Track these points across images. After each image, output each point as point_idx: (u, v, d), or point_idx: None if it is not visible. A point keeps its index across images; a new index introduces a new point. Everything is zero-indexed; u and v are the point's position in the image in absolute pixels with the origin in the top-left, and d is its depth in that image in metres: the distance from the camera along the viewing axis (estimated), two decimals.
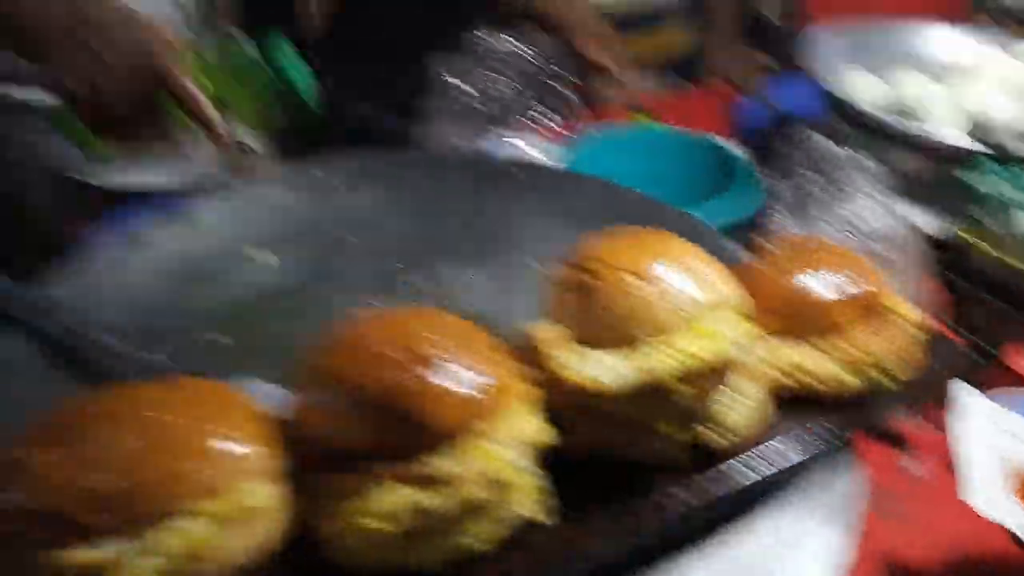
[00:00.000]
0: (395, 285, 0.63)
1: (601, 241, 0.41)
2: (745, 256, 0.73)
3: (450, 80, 1.05)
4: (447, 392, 0.32)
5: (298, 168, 0.72)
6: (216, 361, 0.55)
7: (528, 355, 0.39)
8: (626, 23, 1.32)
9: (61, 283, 0.58)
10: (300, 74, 0.69)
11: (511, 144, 0.96)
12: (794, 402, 0.48)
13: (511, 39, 1.07)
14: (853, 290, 0.47)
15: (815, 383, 0.46)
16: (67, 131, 0.70)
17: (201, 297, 0.60)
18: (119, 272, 0.60)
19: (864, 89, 0.93)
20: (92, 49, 0.65)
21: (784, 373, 0.46)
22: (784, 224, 0.89)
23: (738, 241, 0.87)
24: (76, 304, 0.56)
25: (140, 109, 0.67)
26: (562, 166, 0.74)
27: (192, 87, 0.67)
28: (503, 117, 1.06)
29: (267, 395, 0.49)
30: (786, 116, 1.12)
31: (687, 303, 0.39)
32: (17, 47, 0.66)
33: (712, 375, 0.40)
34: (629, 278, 0.39)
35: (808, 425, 0.47)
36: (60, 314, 0.53)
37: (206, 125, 0.69)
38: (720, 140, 1.00)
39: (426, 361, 0.32)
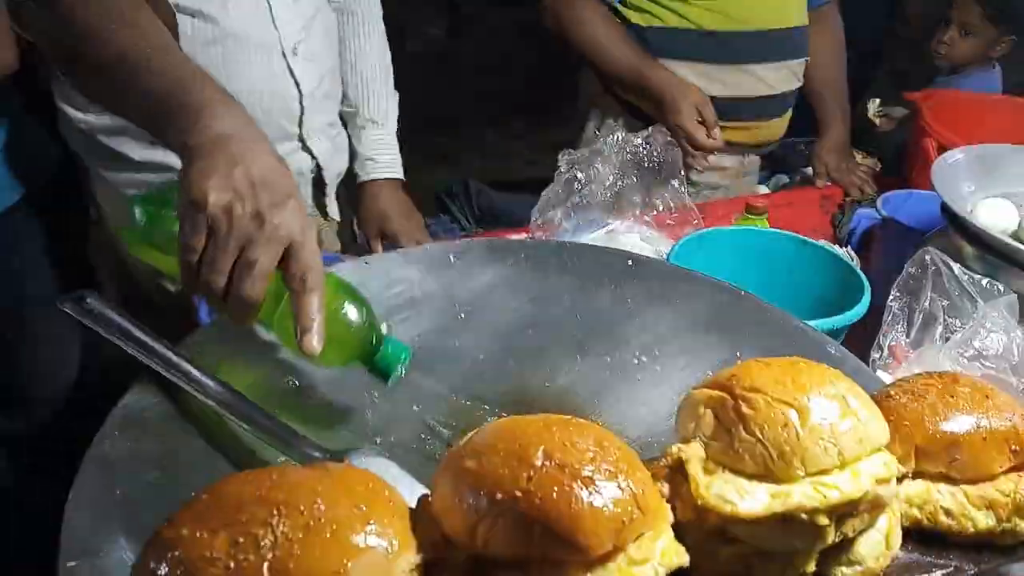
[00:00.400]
0: (506, 366, 0.64)
1: (754, 366, 0.41)
2: (877, 375, 0.72)
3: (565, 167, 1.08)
4: (600, 512, 0.32)
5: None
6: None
7: (668, 472, 0.39)
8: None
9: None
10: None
11: (623, 234, 0.97)
12: (926, 537, 0.46)
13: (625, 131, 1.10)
14: (998, 428, 0.45)
15: (951, 521, 0.45)
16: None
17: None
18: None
19: (989, 211, 0.91)
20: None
21: (920, 509, 0.45)
22: (898, 340, 0.86)
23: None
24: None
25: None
26: (673, 264, 0.74)
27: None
28: (616, 206, 1.07)
29: (383, 469, 0.50)
30: (899, 226, 1.10)
31: (835, 439, 0.38)
32: None
33: (851, 511, 0.39)
34: (783, 410, 0.38)
35: (939, 562, 0.45)
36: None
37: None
38: (830, 247, 0.99)
39: (580, 478, 0.32)
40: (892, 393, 0.48)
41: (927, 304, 0.88)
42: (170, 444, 0.53)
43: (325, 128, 1.11)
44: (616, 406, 0.60)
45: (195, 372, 0.55)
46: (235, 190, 0.51)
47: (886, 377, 0.80)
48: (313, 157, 1.10)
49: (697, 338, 0.66)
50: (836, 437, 0.38)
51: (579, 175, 1.01)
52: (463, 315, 0.68)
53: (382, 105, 1.20)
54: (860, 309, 0.85)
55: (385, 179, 1.20)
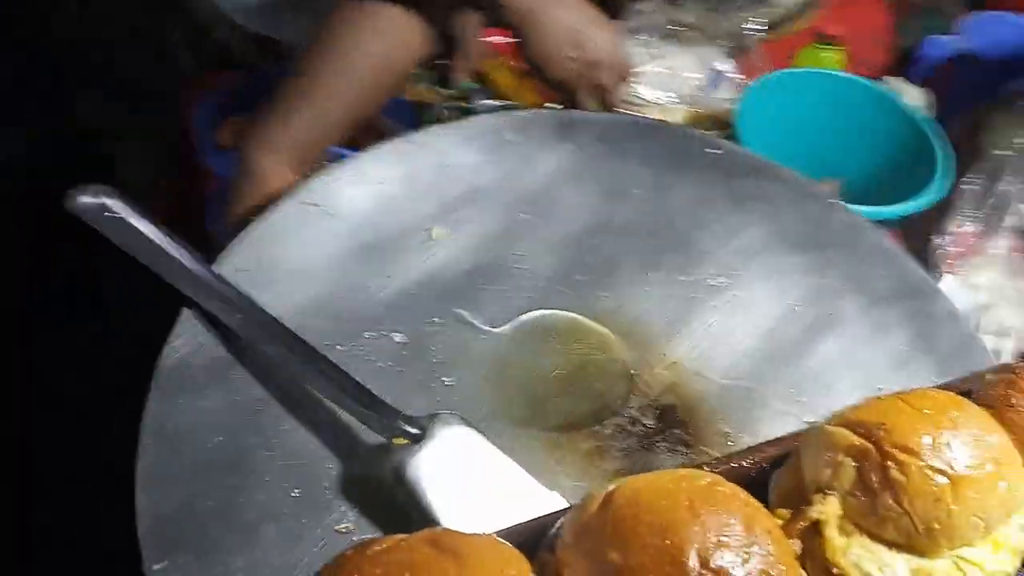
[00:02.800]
0: (573, 284, 0.59)
1: (905, 414, 0.37)
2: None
3: None
4: None
5: (476, 121, 0.64)
6: (390, 366, 0.53)
7: (801, 530, 0.36)
8: None
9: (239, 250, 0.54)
10: None
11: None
12: None
13: None
14: None
15: None
16: None
17: (378, 281, 0.56)
18: (300, 243, 0.56)
19: None
20: None
21: None
22: (966, 225, 0.82)
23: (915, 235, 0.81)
24: (255, 279, 0.53)
25: None
26: (759, 155, 0.66)
27: None
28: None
29: (467, 440, 0.47)
30: (983, 63, 0.99)
31: (984, 511, 0.36)
32: None
33: None
34: (937, 481, 0.35)
35: None
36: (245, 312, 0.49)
37: None
38: (910, 105, 0.89)
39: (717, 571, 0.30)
40: (1015, 401, 0.44)
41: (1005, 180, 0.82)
42: (231, 397, 0.49)
43: None
44: (692, 339, 0.57)
45: (253, 305, 0.49)
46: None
47: (949, 280, 0.77)
48: None
49: (781, 258, 0.61)
50: (986, 510, 0.36)
51: None
52: (527, 214, 0.61)
53: None
54: (937, 192, 0.79)
55: None
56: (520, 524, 0.38)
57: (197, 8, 1.03)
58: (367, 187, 0.60)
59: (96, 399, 1.06)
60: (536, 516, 0.38)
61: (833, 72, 0.89)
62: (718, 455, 0.50)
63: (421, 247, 0.58)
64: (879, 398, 0.38)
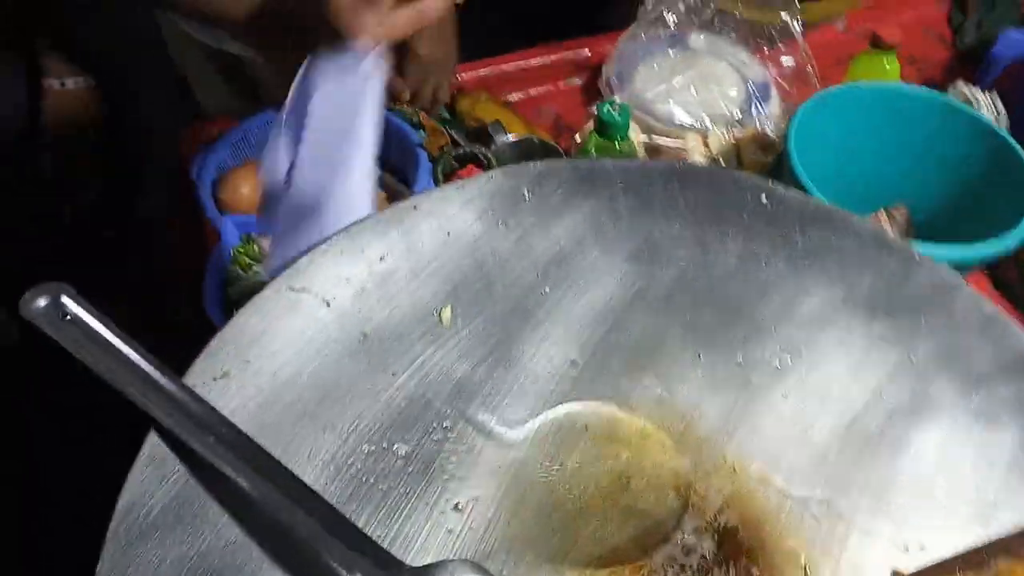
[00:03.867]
0: (608, 372, 0.49)
1: None
2: None
3: None
4: None
5: (484, 179, 0.55)
6: (391, 487, 0.44)
7: None
8: None
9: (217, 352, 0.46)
10: None
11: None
12: None
13: None
14: None
15: None
16: None
17: (379, 379, 0.48)
18: (287, 339, 0.47)
19: None
20: None
21: None
22: None
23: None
24: (231, 387, 0.45)
25: None
26: (819, 200, 0.56)
27: None
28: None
29: None
30: None
31: None
32: None
33: None
34: None
35: None
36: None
37: None
38: (984, 118, 0.78)
39: None
40: None
41: None
42: (199, 542, 0.40)
43: None
44: (755, 437, 0.47)
45: (224, 424, 0.41)
46: None
47: None
48: None
49: (856, 327, 0.51)
50: None
51: None
52: (547, 287, 0.52)
53: None
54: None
55: None
56: None
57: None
58: (363, 266, 0.51)
59: None
60: None
61: (895, 85, 0.78)
62: None
63: (427, 336, 0.50)
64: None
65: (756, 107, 0.94)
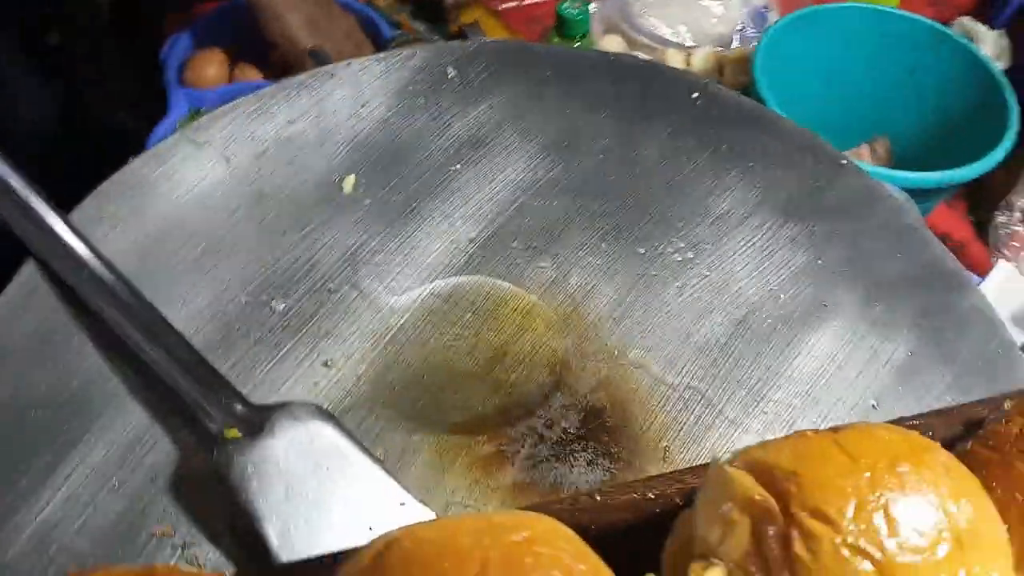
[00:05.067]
0: (502, 251, 0.48)
1: (826, 463, 0.25)
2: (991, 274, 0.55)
3: None
4: None
5: (413, 51, 0.54)
6: (263, 339, 0.44)
7: None
8: None
9: (110, 192, 0.46)
10: None
11: None
12: None
13: None
14: None
15: None
16: None
17: (268, 239, 0.47)
18: (183, 189, 0.47)
19: None
20: None
21: None
22: None
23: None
24: (119, 229, 0.45)
25: None
26: (753, 101, 0.53)
27: None
28: None
29: (321, 437, 0.39)
30: None
31: None
32: None
33: None
34: (856, 564, 0.24)
35: None
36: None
37: None
38: (980, 52, 0.74)
39: None
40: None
41: None
42: (57, 370, 0.41)
43: None
44: (641, 325, 0.46)
45: (98, 259, 0.41)
46: None
47: (1005, 269, 0.63)
48: None
49: (768, 230, 0.49)
50: None
51: None
52: (457, 165, 0.51)
53: None
54: (999, 153, 0.65)
55: None
56: (304, 561, 0.29)
57: None
58: (270, 126, 0.51)
59: None
60: (323, 555, 0.29)
61: (884, 8, 0.74)
62: (652, 474, 0.40)
63: (325, 202, 0.49)
64: (806, 434, 0.27)
65: (752, 28, 0.90)
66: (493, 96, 0.53)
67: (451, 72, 0.54)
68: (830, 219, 0.49)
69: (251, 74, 0.84)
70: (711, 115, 0.53)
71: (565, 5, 0.68)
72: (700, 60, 0.85)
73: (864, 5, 0.74)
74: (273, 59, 0.86)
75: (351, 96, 0.52)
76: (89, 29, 1.10)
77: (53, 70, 1.17)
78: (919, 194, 0.65)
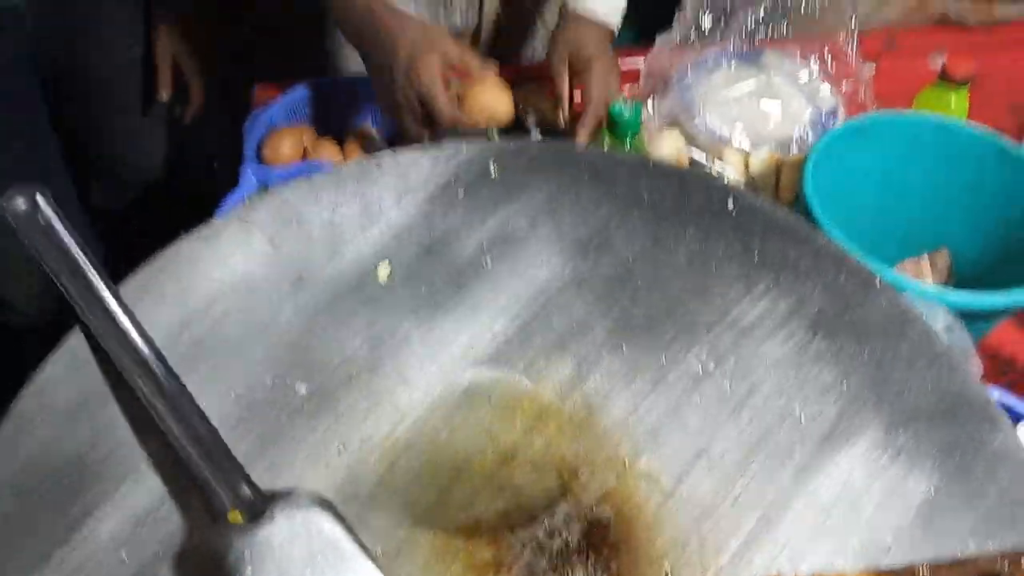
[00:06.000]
0: (525, 347, 0.49)
1: None
2: None
3: None
4: None
5: (458, 147, 0.56)
6: (284, 421, 0.46)
7: None
8: None
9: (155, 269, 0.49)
10: None
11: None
12: None
13: None
14: None
15: None
16: None
17: (301, 321, 0.49)
18: (227, 268, 0.50)
19: None
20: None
21: None
22: None
23: None
24: (160, 304, 0.48)
25: None
26: (789, 214, 0.53)
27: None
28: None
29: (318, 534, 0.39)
30: None
31: None
32: None
33: None
34: None
35: None
36: None
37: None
38: None
39: None
40: None
41: None
42: (86, 436, 0.43)
43: None
44: (656, 436, 0.45)
45: (135, 330, 0.44)
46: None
47: None
48: None
49: (793, 343, 0.48)
50: None
51: None
52: (488, 257, 0.53)
53: None
54: None
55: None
56: None
57: None
58: (316, 210, 0.53)
59: None
60: None
61: (949, 121, 0.72)
62: None
63: (359, 288, 0.51)
64: None
65: (813, 133, 0.90)
66: (529, 193, 0.55)
67: (492, 169, 0.56)
68: (859, 339, 0.47)
69: (328, 151, 0.88)
70: (745, 224, 0.52)
71: (617, 105, 0.70)
72: (758, 162, 0.85)
73: (926, 116, 0.73)
74: (349, 140, 0.91)
75: (396, 186, 0.55)
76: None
77: (166, 123, 1.27)
78: (979, 315, 0.63)
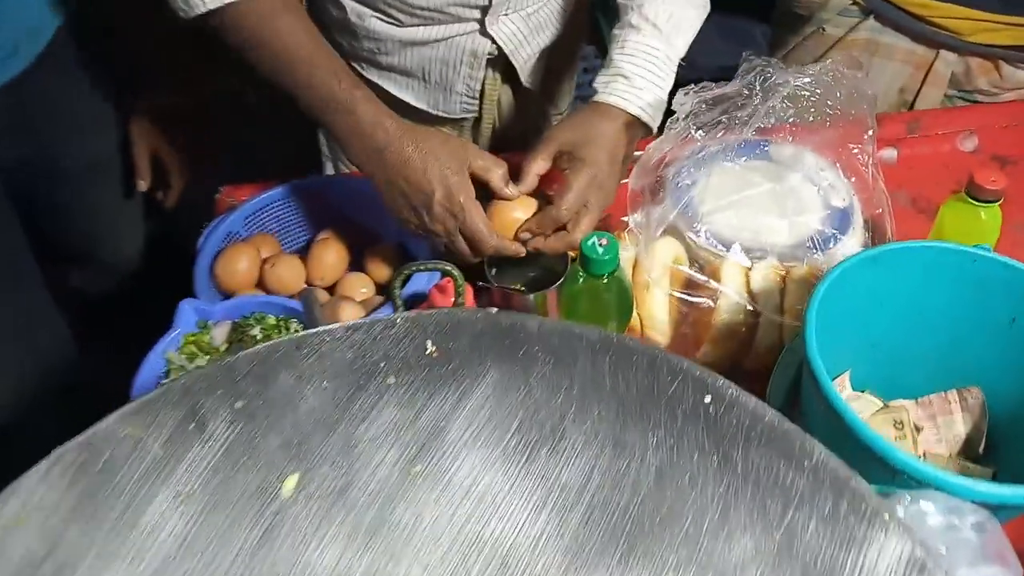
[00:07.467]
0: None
1: None
2: None
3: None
4: None
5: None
6: None
7: None
8: None
9: None
10: None
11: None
12: None
13: None
14: None
15: None
16: None
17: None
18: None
19: None
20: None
21: None
22: None
23: None
24: None
25: None
26: (778, 416, 0.43)
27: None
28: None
29: None
30: None
31: None
32: None
33: None
34: None
35: None
36: None
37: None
38: None
39: None
40: None
41: None
42: None
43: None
44: None
45: None
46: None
47: None
48: (494, 42, 0.92)
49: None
50: None
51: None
52: (421, 466, 0.44)
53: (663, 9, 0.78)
54: None
55: (616, 107, 0.75)
56: None
57: None
58: (226, 411, 0.45)
59: None
60: None
61: (972, 250, 0.62)
62: None
63: (260, 514, 0.43)
64: None
65: (827, 240, 0.80)
66: (471, 380, 0.46)
67: (429, 346, 0.48)
68: None
69: (288, 270, 0.81)
70: (724, 426, 0.43)
71: (590, 241, 0.61)
72: (760, 277, 0.75)
73: (947, 245, 0.63)
74: (313, 251, 0.84)
75: (307, 379, 0.46)
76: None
77: (144, 208, 1.22)
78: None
